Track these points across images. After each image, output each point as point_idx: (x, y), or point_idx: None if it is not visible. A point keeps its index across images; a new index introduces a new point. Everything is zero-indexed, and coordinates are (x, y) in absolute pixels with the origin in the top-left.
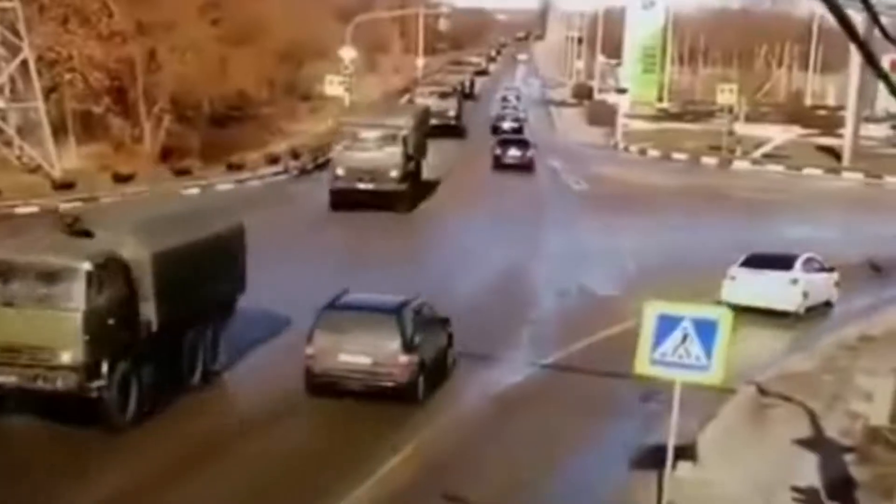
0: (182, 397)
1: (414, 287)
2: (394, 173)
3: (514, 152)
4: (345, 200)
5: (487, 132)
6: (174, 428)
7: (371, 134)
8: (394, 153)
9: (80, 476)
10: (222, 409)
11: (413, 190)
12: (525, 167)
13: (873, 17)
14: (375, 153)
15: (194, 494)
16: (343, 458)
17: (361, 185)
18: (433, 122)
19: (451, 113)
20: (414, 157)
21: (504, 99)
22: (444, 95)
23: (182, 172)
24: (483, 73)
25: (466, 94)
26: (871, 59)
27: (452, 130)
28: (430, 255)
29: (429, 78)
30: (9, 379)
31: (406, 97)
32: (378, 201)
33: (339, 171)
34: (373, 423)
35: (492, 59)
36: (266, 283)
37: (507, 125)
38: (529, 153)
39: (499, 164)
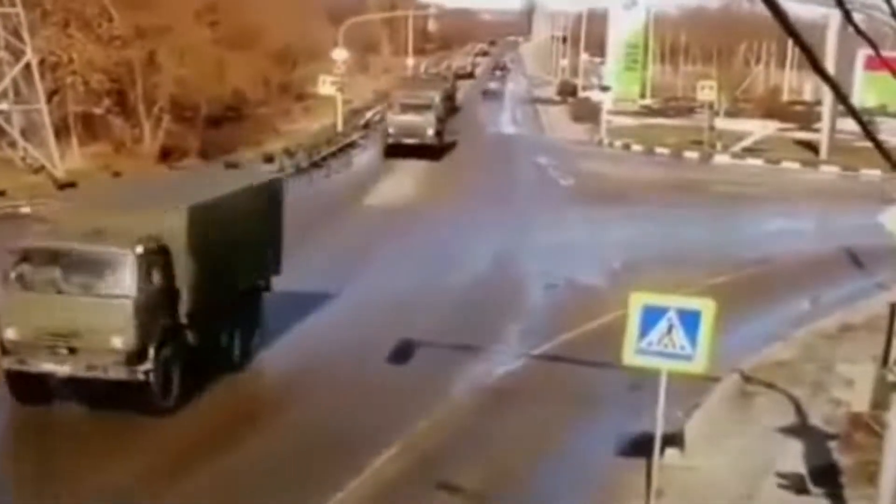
0: None
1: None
2: (117, 342)
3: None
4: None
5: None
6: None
7: (75, 267)
8: (120, 308)
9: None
10: None
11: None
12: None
13: (846, 14)
14: (74, 301)
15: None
16: (340, 449)
17: (49, 366)
18: (408, 141)
19: (430, 132)
20: (192, 319)
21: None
22: (418, 109)
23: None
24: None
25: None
26: (809, 55)
27: (428, 151)
28: (422, 240)
29: (404, 90)
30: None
31: (385, 105)
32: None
33: (10, 334)
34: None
35: (473, 70)
36: None
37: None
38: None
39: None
